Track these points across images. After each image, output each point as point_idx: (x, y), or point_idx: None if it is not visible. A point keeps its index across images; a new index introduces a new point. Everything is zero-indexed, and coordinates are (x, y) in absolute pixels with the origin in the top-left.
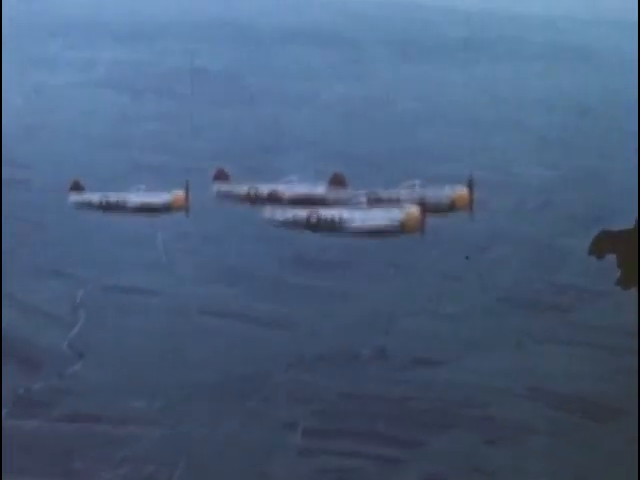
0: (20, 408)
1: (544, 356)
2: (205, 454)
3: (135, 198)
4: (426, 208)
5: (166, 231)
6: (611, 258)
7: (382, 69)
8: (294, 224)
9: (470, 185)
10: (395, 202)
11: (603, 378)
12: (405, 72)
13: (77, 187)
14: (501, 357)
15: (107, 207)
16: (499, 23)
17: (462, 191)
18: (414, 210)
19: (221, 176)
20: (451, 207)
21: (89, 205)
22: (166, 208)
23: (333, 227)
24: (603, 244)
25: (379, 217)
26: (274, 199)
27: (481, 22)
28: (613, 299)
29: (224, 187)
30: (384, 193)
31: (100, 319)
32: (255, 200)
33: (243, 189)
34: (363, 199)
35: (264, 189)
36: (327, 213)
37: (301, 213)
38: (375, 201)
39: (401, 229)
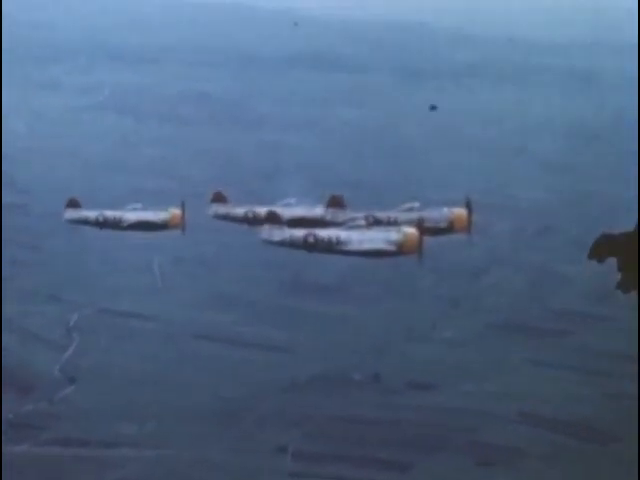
0: (9, 432)
1: (539, 380)
2: (196, 477)
3: (132, 215)
4: (424, 230)
5: (163, 255)
6: (609, 282)
7: (386, 94)
8: (291, 244)
9: (468, 207)
10: (393, 224)
11: (597, 402)
12: (409, 96)
13: (73, 204)
14: (496, 382)
15: (104, 224)
16: (505, 48)
17: (460, 213)
18: (412, 232)
19: (219, 198)
20: (449, 229)
21: (85, 222)
22: (163, 226)
23: (330, 248)
24: (603, 248)
25: (377, 238)
26: (272, 220)
27: (487, 46)
28: (610, 324)
29: (221, 209)
30: (382, 215)
31: (93, 343)
32: (253, 222)
33: (241, 211)
34: (361, 221)
35: (262, 211)
36: (324, 234)
37: (298, 233)
38: (373, 223)
39: (399, 251)
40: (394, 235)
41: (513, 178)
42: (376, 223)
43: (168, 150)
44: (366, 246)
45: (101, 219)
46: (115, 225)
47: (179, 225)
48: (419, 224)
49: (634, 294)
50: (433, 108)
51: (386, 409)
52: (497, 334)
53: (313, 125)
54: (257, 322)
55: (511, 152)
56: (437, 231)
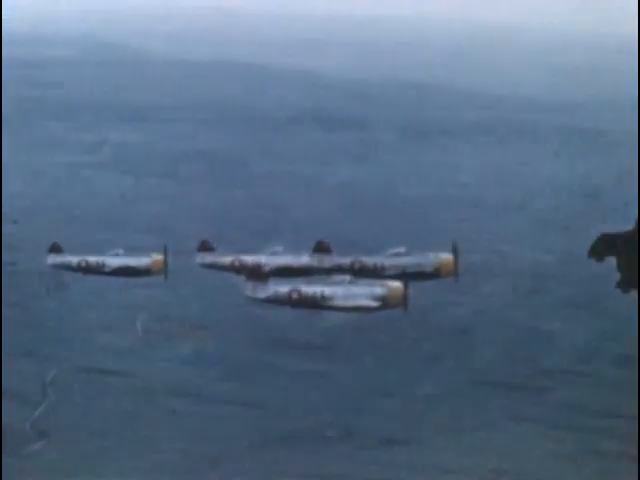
0: None
1: (517, 437)
2: None
3: (114, 261)
4: (411, 276)
5: (145, 313)
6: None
7: (390, 153)
8: (275, 301)
9: (455, 251)
10: (380, 270)
11: (574, 459)
12: (413, 155)
13: (56, 249)
14: (470, 438)
15: (86, 269)
16: (511, 106)
17: (447, 258)
18: (397, 286)
19: (206, 247)
20: (436, 274)
21: (68, 267)
22: (145, 271)
23: (315, 304)
24: (603, 247)
25: (361, 294)
26: (256, 276)
27: (493, 105)
28: (592, 381)
29: (208, 257)
30: (369, 260)
31: (68, 399)
32: (239, 270)
33: (227, 259)
34: (347, 276)
35: (248, 259)
36: (309, 290)
37: (282, 289)
38: (359, 269)
39: (384, 305)
40: (379, 290)
41: (511, 237)
42: (362, 269)
43: (165, 208)
44: (350, 302)
45: (84, 264)
46: (97, 270)
47: (161, 271)
48: (404, 277)
49: (633, 293)
50: None
51: (358, 465)
52: (478, 391)
53: (313, 184)
54: (231, 379)
55: (511, 210)
56: (424, 276)
